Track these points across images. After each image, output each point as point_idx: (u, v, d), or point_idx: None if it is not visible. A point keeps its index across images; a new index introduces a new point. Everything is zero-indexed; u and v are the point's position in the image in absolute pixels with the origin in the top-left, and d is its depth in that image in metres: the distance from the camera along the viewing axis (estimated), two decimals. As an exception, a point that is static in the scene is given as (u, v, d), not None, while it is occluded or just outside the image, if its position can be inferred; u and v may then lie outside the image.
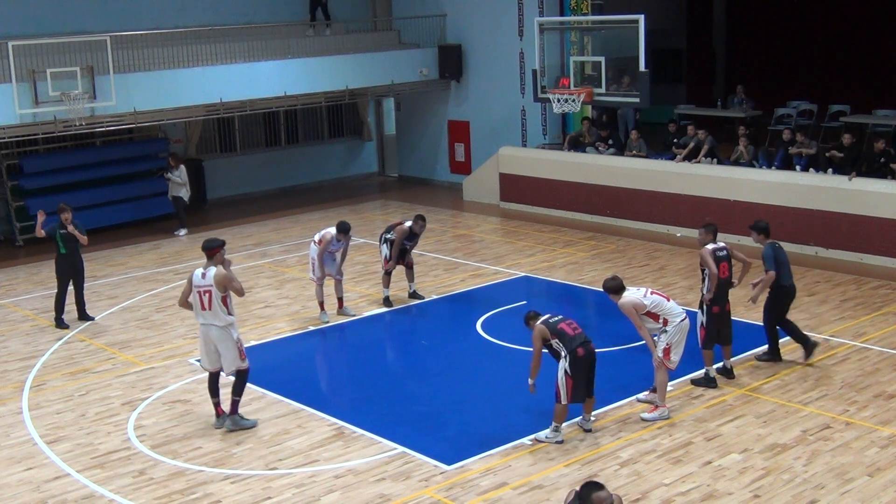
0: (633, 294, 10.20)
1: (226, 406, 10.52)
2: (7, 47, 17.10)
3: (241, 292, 10.15)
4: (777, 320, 11.71)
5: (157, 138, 21.90)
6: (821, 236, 16.55)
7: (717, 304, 10.98)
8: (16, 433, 10.60)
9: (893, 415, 10.19)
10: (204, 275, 10.06)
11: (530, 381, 9.84)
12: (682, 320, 10.18)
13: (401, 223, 14.50)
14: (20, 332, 14.09)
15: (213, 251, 10.16)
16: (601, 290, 10.62)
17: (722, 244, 11.17)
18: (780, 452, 9.42)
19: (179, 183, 19.91)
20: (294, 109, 23.59)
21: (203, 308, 10.05)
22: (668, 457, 9.42)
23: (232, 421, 10.37)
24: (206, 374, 10.57)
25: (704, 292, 10.98)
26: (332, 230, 13.79)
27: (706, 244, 11.04)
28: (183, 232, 19.99)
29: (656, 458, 9.42)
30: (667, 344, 10.14)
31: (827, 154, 16.89)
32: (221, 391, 10.54)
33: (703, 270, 11.09)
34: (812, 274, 15.46)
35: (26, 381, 12.13)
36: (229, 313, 10.12)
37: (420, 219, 14.42)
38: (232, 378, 10.34)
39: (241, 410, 10.50)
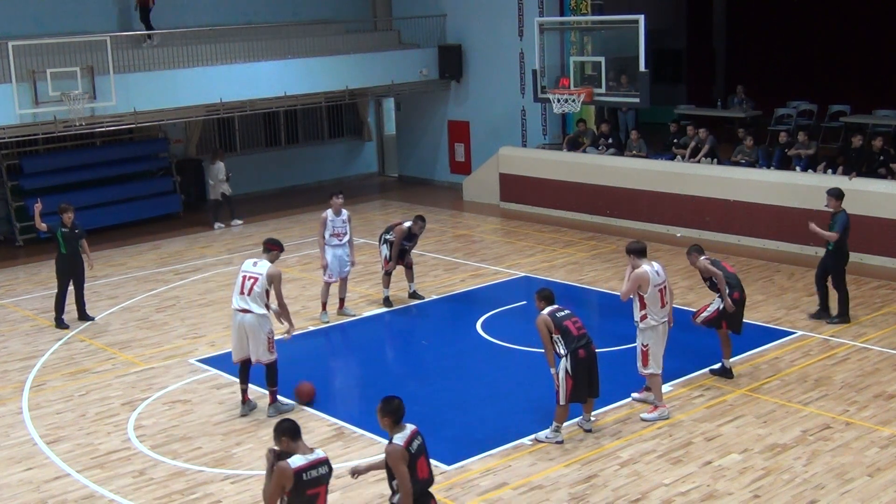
0: (649, 269, 10.25)
1: (247, 394, 10.92)
2: (7, 47, 17.08)
3: (282, 302, 10.65)
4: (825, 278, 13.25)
5: (157, 138, 21.90)
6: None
7: (736, 290, 11.05)
8: (16, 433, 10.60)
9: (893, 415, 10.19)
10: (256, 263, 10.59)
11: (552, 371, 9.70)
12: (659, 325, 10.20)
13: (400, 224, 14.50)
14: (20, 332, 14.08)
15: (271, 247, 10.78)
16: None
17: (711, 257, 11.32)
18: (780, 452, 9.42)
19: (220, 179, 20.57)
20: (294, 109, 23.58)
21: (243, 292, 10.47)
22: (668, 457, 9.42)
23: (274, 408, 10.71)
24: (237, 365, 10.82)
25: (721, 301, 10.99)
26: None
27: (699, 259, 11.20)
28: (238, 222, 20.77)
29: (656, 458, 9.42)
30: (644, 345, 10.16)
31: (834, 165, 16.80)
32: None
33: (705, 280, 11.26)
34: (812, 274, 15.41)
35: (26, 381, 12.13)
36: (267, 306, 10.53)
37: (419, 219, 14.42)
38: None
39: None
